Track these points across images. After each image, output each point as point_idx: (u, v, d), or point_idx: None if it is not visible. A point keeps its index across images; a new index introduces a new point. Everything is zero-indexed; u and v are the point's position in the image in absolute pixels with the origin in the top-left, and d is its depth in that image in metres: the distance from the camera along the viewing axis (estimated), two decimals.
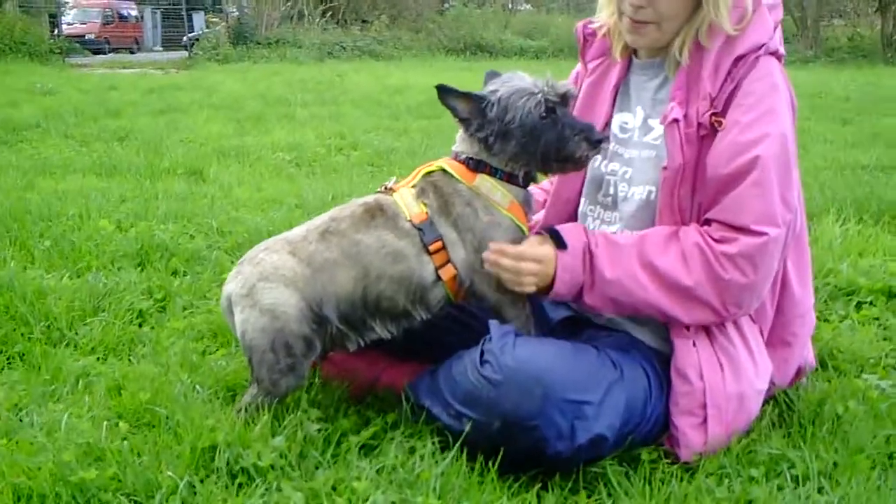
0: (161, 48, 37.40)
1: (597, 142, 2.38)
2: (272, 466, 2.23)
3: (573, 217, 2.70)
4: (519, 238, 2.47)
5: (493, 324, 2.34)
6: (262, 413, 2.39)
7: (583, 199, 2.69)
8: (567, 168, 2.47)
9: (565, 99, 2.39)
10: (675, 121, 2.36)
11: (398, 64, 23.53)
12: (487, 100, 2.40)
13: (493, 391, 2.18)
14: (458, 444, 2.22)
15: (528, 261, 2.36)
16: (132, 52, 34.40)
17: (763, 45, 2.38)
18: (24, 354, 3.08)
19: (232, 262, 4.03)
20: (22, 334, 3.21)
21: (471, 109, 2.43)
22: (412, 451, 2.30)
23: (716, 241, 2.29)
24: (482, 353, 2.26)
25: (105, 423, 2.44)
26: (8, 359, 3.07)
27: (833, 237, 4.54)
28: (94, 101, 12.05)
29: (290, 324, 2.38)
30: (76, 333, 3.28)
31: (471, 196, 2.45)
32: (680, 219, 2.39)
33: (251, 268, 2.46)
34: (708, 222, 2.36)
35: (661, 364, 2.45)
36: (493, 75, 2.53)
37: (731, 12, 2.34)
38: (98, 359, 3.06)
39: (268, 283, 2.40)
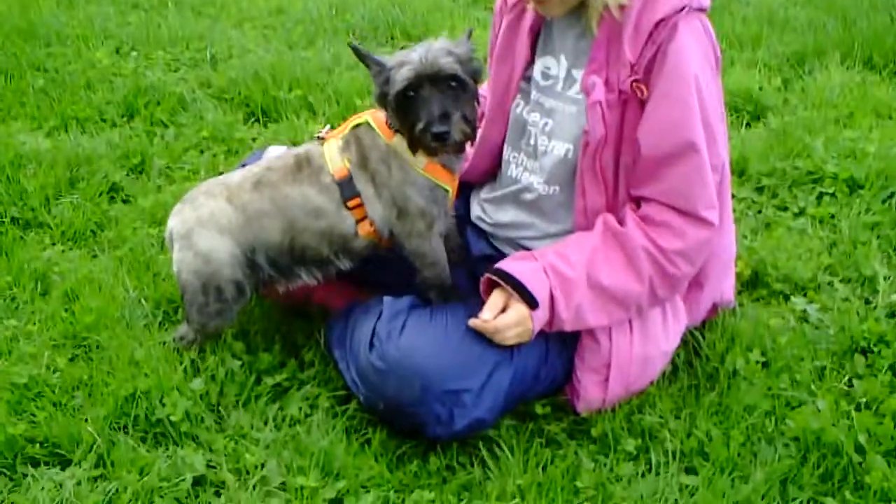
0: None
1: (434, 136, 2.32)
2: (187, 414, 2.44)
3: (498, 162, 2.72)
4: (440, 196, 2.52)
5: (388, 301, 2.43)
6: (190, 350, 2.60)
7: (505, 146, 2.68)
8: (426, 152, 2.42)
9: (436, 78, 2.31)
10: (598, 101, 2.32)
11: None
12: (382, 66, 2.39)
13: (377, 376, 2.31)
14: (343, 421, 2.41)
15: (509, 329, 2.32)
16: None
17: (685, 7, 2.30)
18: None
19: (215, 107, 4.16)
20: None
21: (373, 73, 2.43)
22: (313, 406, 2.50)
23: (657, 228, 2.34)
24: (373, 333, 2.37)
25: (47, 353, 2.66)
26: None
27: (831, 87, 4.43)
28: None
29: (222, 269, 2.51)
30: (49, 212, 3.45)
31: (387, 153, 2.47)
32: (602, 179, 2.40)
33: (191, 211, 2.56)
34: (643, 198, 2.39)
35: None
36: None
37: None
38: (63, 250, 3.24)
39: (204, 228, 2.52)
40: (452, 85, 2.32)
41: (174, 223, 2.59)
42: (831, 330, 2.81)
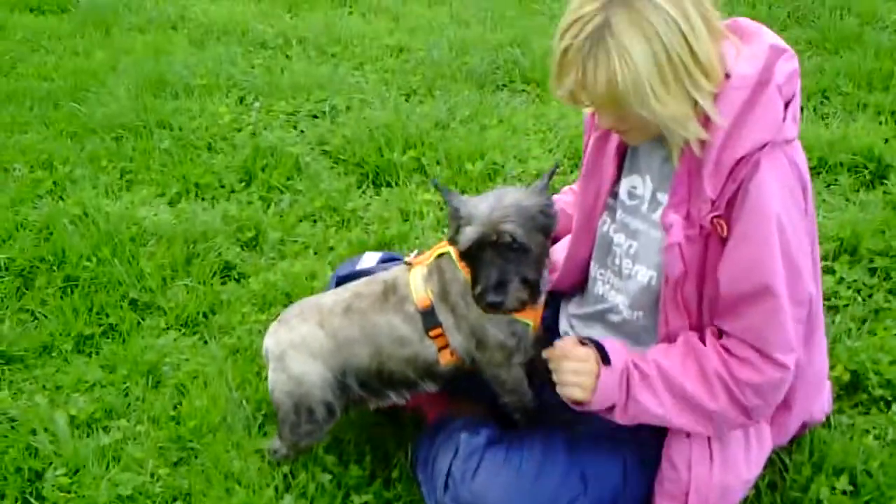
0: None
1: (488, 305, 2.34)
2: None
3: (585, 277, 2.72)
4: (518, 329, 2.54)
5: (464, 439, 2.48)
6: (281, 465, 2.73)
7: (592, 263, 2.68)
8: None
9: (497, 243, 2.32)
10: (677, 243, 2.31)
11: None
12: (457, 212, 2.43)
13: None
14: None
15: (576, 361, 2.37)
16: None
17: (766, 144, 2.24)
18: (115, 326, 3.46)
19: (330, 169, 4.27)
20: (117, 301, 3.58)
21: (449, 214, 2.48)
22: None
23: (737, 360, 2.30)
24: (448, 472, 2.43)
25: (151, 461, 2.82)
26: (102, 332, 3.46)
27: None
28: None
29: (314, 391, 2.61)
30: (165, 294, 3.62)
31: (466, 287, 2.50)
32: (685, 310, 2.38)
33: (286, 332, 2.68)
34: (723, 331, 2.35)
35: (653, 435, 2.53)
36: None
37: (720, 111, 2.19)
38: (175, 338, 3.40)
39: (296, 351, 2.63)
40: (514, 247, 2.33)
41: (270, 343, 2.70)
42: None
